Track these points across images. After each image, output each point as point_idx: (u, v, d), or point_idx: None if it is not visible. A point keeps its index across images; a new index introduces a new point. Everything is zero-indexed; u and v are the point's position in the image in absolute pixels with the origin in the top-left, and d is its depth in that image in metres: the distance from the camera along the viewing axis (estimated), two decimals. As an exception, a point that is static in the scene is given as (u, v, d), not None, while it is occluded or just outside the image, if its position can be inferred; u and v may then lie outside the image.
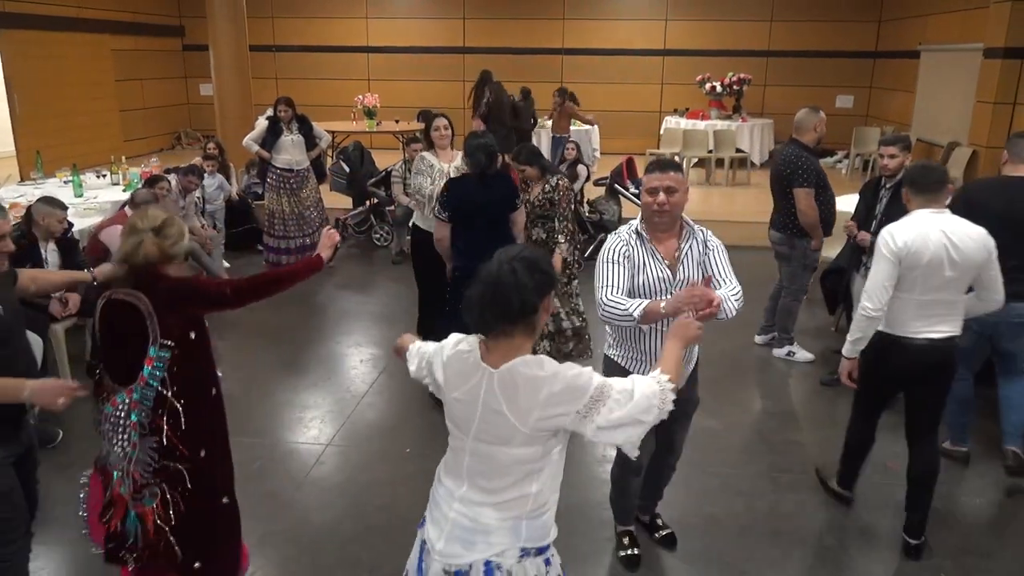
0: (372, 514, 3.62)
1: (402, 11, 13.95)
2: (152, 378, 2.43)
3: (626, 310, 2.62)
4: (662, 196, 2.73)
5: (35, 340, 4.36)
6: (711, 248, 2.85)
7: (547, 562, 2.00)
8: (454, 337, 2.09)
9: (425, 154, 5.19)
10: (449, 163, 5.16)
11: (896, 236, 3.12)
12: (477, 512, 1.94)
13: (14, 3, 10.60)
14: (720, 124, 11.74)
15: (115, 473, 2.52)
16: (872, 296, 3.16)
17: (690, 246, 2.83)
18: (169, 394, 2.47)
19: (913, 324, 3.16)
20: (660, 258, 2.78)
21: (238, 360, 5.56)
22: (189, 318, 2.54)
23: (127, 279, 2.49)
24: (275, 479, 3.91)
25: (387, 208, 8.00)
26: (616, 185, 7.95)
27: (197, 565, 2.63)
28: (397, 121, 11.64)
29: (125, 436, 2.46)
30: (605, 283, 2.73)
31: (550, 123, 10.83)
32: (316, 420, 4.53)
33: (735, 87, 12.07)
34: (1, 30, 10.39)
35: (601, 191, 8.19)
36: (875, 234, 4.41)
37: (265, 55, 13.44)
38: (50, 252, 4.73)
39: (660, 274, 2.77)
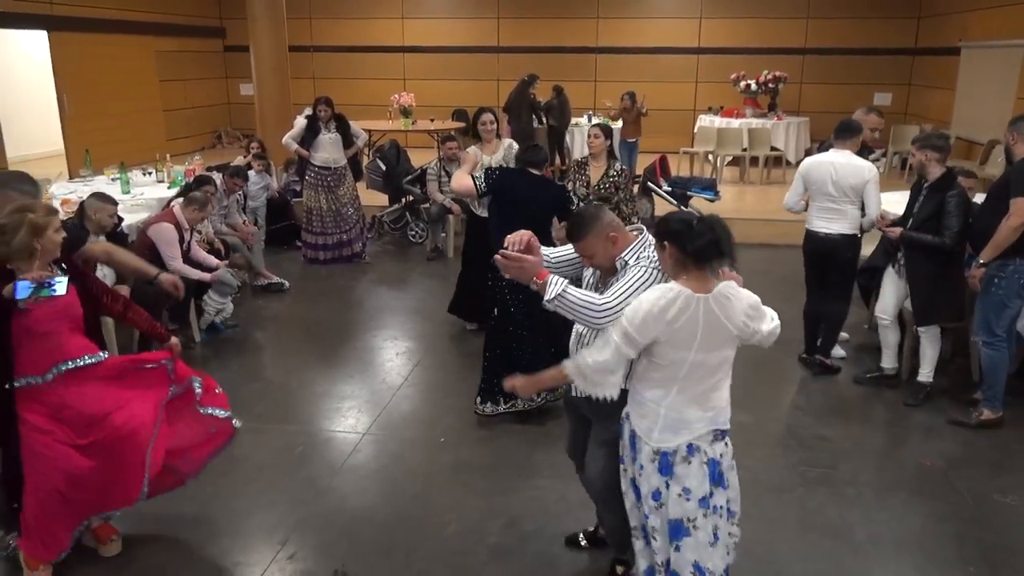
0: (407, 501, 3.72)
1: (437, 11, 14.09)
2: None
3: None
4: (586, 261, 2.80)
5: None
6: (627, 271, 2.66)
7: (727, 443, 2.59)
8: (649, 301, 2.40)
9: (472, 148, 5.42)
10: (491, 155, 5.36)
11: None
12: (683, 409, 2.49)
13: (64, 6, 10.94)
14: (755, 122, 11.67)
15: None
16: None
17: (616, 279, 2.68)
18: None
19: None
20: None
21: (279, 352, 5.72)
22: None
23: None
24: (314, 465, 4.04)
25: (422, 206, 8.12)
26: (649, 183, 7.99)
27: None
28: (432, 120, 11.78)
29: None
30: None
31: (617, 125, 10.65)
32: (353, 410, 4.66)
33: (770, 85, 11.99)
34: (52, 32, 10.74)
35: (634, 189, 8.21)
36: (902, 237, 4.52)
37: (303, 55, 13.67)
38: (100, 246, 4.91)
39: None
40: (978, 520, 3.58)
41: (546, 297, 2.55)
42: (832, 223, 4.78)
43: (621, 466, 2.71)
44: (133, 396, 3.06)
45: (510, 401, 4.41)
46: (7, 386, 2.86)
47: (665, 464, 2.53)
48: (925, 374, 4.66)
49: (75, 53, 11.01)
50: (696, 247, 2.40)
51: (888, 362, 4.88)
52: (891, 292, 4.75)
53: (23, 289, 2.68)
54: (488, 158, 5.43)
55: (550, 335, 4.20)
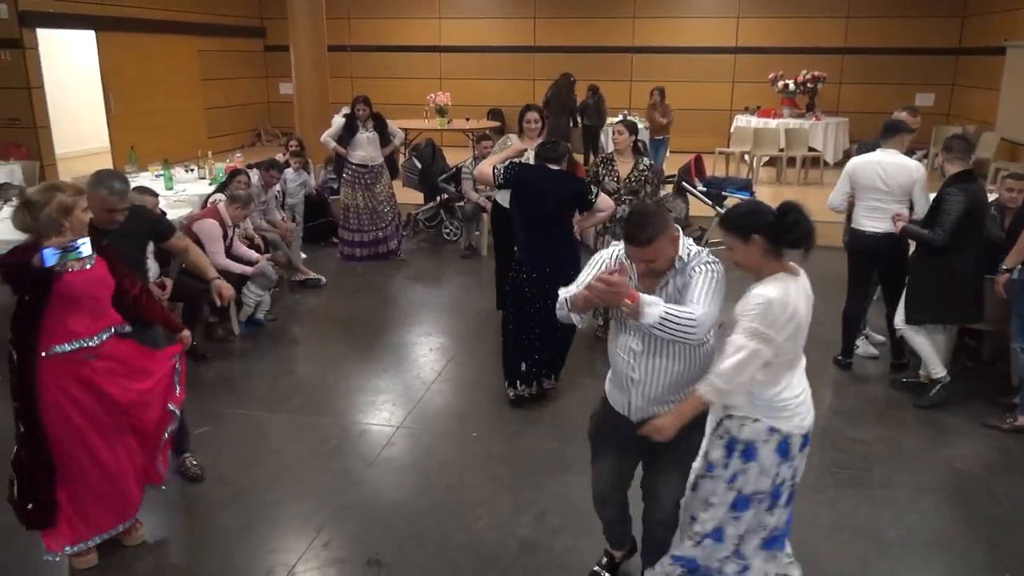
0: (440, 492, 3.79)
1: (474, 11, 14.17)
2: None
3: (563, 297, 2.57)
4: (641, 266, 2.52)
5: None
6: (692, 265, 2.53)
7: None
8: (776, 300, 2.42)
9: (511, 135, 5.55)
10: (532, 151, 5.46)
11: None
12: (806, 385, 2.66)
13: (112, 7, 11.23)
14: (792, 123, 11.55)
15: None
16: None
17: (671, 281, 2.55)
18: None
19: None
20: (642, 289, 2.51)
21: (315, 346, 5.83)
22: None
23: None
24: (349, 457, 4.12)
25: (457, 204, 8.20)
26: (684, 183, 7.97)
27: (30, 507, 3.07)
28: (468, 119, 11.87)
29: None
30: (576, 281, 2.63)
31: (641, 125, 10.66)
32: (387, 404, 4.74)
33: (809, 85, 11.86)
34: (99, 32, 11.03)
35: (668, 189, 8.20)
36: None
37: (341, 55, 13.84)
38: (145, 240, 5.05)
39: None
40: (1014, 526, 3.54)
41: (647, 320, 2.34)
42: (881, 222, 4.75)
43: (725, 485, 2.61)
44: (153, 398, 3.21)
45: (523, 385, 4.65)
46: (43, 354, 2.95)
47: (804, 444, 2.65)
48: (933, 371, 4.62)
49: (121, 53, 11.30)
50: (794, 238, 2.44)
51: (925, 368, 4.77)
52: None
53: (51, 255, 2.76)
54: (530, 153, 5.55)
55: (560, 328, 4.29)
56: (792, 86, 11.88)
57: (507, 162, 4.72)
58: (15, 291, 2.94)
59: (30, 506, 3.06)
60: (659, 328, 2.36)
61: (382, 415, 4.60)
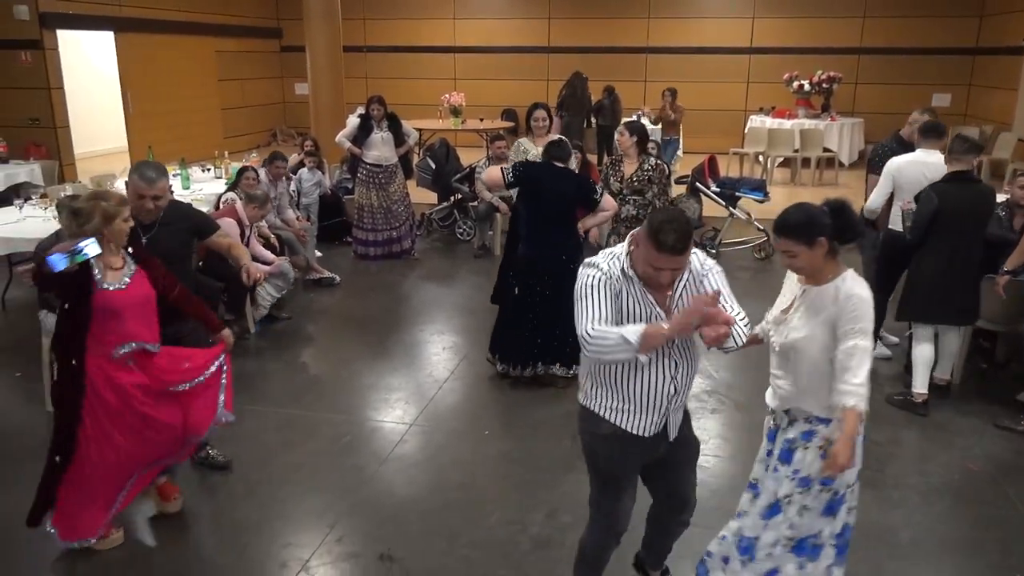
0: (451, 490, 3.82)
1: (488, 12, 14.21)
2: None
3: (620, 337, 2.26)
4: (667, 275, 2.38)
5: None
6: (706, 271, 2.47)
7: None
8: (867, 296, 2.48)
9: (522, 140, 5.62)
10: (540, 148, 5.53)
11: None
12: None
13: (131, 8, 11.36)
14: (807, 123, 11.52)
15: None
16: None
17: (685, 282, 2.45)
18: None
19: None
20: (651, 300, 2.41)
21: (328, 344, 5.88)
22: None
23: None
24: (361, 454, 4.16)
25: (470, 204, 8.23)
26: (698, 184, 7.96)
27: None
28: (481, 120, 11.91)
29: None
30: (586, 314, 2.35)
31: (654, 124, 10.64)
32: (400, 402, 4.78)
33: (824, 85, 11.82)
34: (117, 33, 11.16)
35: (682, 189, 8.20)
36: None
37: (356, 55, 13.93)
38: (163, 238, 5.12)
39: (651, 319, 2.39)
40: (1027, 527, 3.53)
41: (741, 343, 2.38)
42: None
43: (776, 472, 2.64)
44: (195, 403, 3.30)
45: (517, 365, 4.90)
46: (91, 360, 3.05)
47: None
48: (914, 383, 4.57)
49: (140, 53, 11.43)
50: (852, 235, 2.51)
51: (939, 371, 4.73)
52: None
53: (59, 261, 2.82)
54: (538, 151, 5.63)
55: (553, 320, 4.63)
56: (807, 86, 11.84)
57: (514, 163, 4.82)
58: (58, 297, 3.10)
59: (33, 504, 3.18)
60: (742, 345, 2.41)
61: (395, 413, 4.64)
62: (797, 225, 2.45)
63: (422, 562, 3.28)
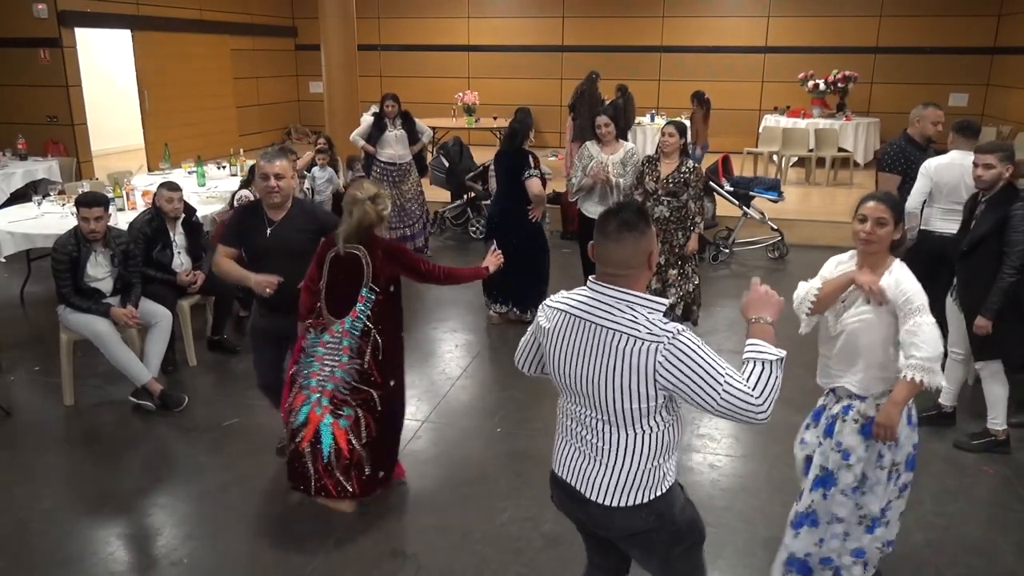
0: (464, 486, 3.84)
1: (502, 10, 14.22)
2: (361, 312, 3.30)
3: (773, 365, 1.98)
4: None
5: (163, 313, 4.81)
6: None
7: None
8: (909, 273, 2.70)
9: (589, 144, 5.81)
10: (610, 155, 5.63)
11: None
12: None
13: (148, 7, 11.45)
14: (822, 123, 11.45)
15: (312, 395, 3.36)
16: None
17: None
18: (373, 328, 3.31)
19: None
20: None
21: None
22: (391, 273, 3.36)
23: (354, 237, 3.27)
24: (375, 450, 4.17)
25: (483, 202, 8.25)
26: (711, 183, 7.94)
27: (381, 475, 3.50)
28: (495, 118, 11.92)
29: (336, 357, 3.33)
30: (722, 374, 1.93)
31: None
32: (413, 398, 4.79)
33: (839, 85, 11.75)
34: (135, 32, 11.25)
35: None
36: (964, 252, 4.05)
37: (371, 54, 13.97)
38: (178, 235, 5.17)
39: None
40: (1043, 530, 3.51)
41: (778, 358, 2.01)
42: (954, 223, 4.48)
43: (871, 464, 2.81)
44: None
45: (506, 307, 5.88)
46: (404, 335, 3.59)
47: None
48: (993, 420, 4.12)
49: (156, 51, 11.50)
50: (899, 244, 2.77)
51: (950, 399, 4.43)
52: (959, 324, 4.22)
53: None
54: (606, 157, 5.68)
55: (532, 266, 5.76)
56: (822, 86, 11.77)
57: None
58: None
59: (381, 474, 3.52)
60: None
61: (408, 409, 4.61)
62: (897, 205, 2.72)
63: (434, 558, 3.30)
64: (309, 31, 13.74)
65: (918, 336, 2.60)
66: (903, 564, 3.27)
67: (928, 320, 2.62)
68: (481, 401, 4.83)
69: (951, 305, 4.26)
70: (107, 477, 3.95)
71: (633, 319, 2.00)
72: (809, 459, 2.99)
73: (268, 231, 3.64)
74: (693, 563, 2.30)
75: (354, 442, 3.36)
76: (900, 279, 2.67)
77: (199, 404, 4.70)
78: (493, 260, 3.70)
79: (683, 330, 1.97)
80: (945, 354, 4.42)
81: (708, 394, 1.92)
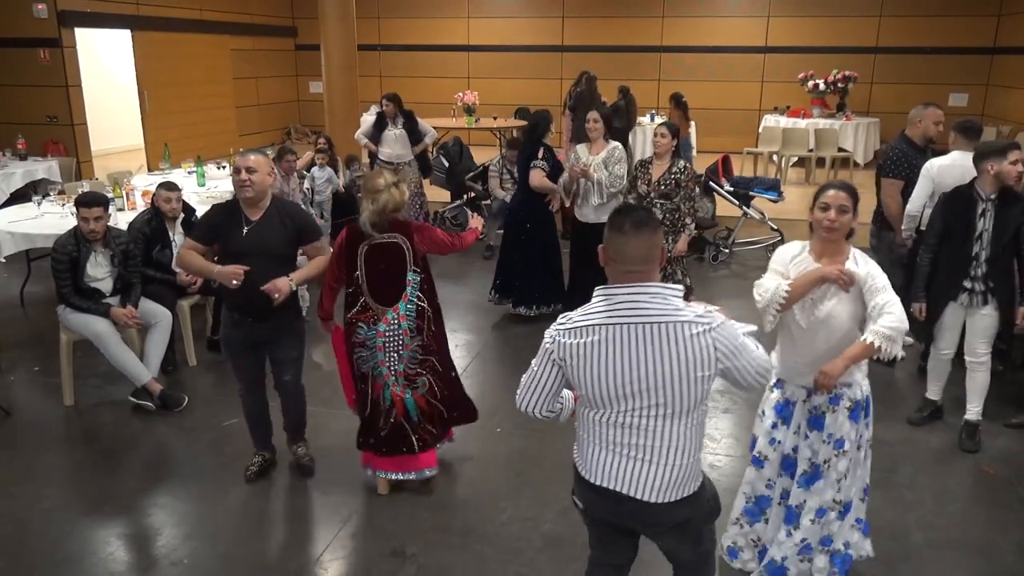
0: (464, 486, 3.84)
1: (502, 11, 14.22)
2: (411, 294, 3.51)
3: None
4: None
5: (163, 313, 4.82)
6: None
7: None
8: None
9: (579, 147, 5.77)
10: (596, 155, 5.54)
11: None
12: None
13: (148, 7, 11.44)
14: (822, 123, 11.45)
15: (389, 380, 3.57)
16: None
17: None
18: (424, 304, 3.54)
19: None
20: None
21: (342, 341, 5.89)
22: (425, 251, 3.54)
23: (379, 226, 3.42)
24: (375, 450, 4.17)
25: (483, 202, 8.24)
26: (711, 183, 7.94)
27: (455, 414, 3.83)
28: (495, 118, 11.91)
29: (400, 342, 3.52)
30: (754, 346, 2.20)
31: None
32: (413, 399, 4.79)
33: (839, 85, 11.75)
34: (135, 32, 11.24)
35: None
36: (992, 260, 4.01)
37: (371, 54, 13.97)
38: (177, 235, 5.17)
39: None
40: (1043, 530, 3.51)
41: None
42: None
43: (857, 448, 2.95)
44: None
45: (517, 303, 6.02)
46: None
47: None
48: (974, 409, 4.25)
49: (155, 52, 11.49)
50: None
51: (938, 394, 4.51)
52: (957, 328, 4.26)
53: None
54: (593, 157, 5.59)
55: (543, 259, 5.94)
56: (822, 86, 11.77)
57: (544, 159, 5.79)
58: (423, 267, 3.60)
59: (455, 414, 3.87)
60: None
61: (408, 409, 4.65)
62: (855, 191, 2.84)
63: (434, 558, 3.30)
64: (309, 31, 13.74)
65: (885, 308, 2.71)
66: (903, 564, 3.27)
67: (894, 296, 2.74)
68: (481, 401, 4.79)
69: (956, 309, 4.18)
70: (107, 477, 3.95)
71: (676, 308, 2.10)
72: (786, 458, 3.02)
73: (245, 230, 3.50)
74: (712, 534, 2.47)
75: (432, 400, 3.66)
76: (861, 262, 2.82)
77: (199, 404, 4.70)
78: (477, 220, 3.99)
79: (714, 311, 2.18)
80: (927, 352, 4.58)
81: (754, 367, 2.14)
